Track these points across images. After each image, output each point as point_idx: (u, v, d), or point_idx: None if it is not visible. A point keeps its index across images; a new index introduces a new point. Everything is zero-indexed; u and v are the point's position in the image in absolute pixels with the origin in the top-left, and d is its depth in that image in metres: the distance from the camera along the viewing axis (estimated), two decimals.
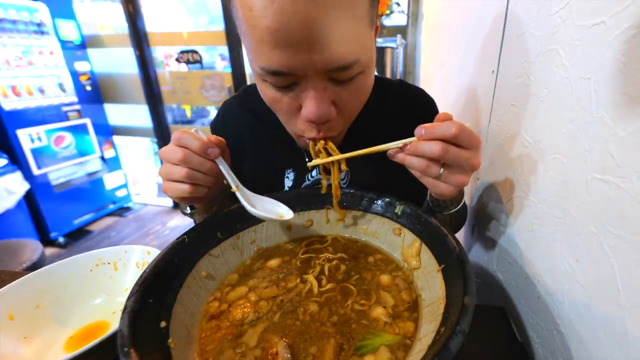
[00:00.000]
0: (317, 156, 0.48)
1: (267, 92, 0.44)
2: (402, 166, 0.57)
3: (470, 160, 0.38)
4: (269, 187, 0.61)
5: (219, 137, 0.45)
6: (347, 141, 0.58)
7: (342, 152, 0.47)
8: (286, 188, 0.62)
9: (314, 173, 0.62)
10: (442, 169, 0.39)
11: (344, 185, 0.61)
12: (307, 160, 0.62)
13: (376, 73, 0.64)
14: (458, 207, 0.50)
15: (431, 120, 0.47)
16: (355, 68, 0.40)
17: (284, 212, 0.46)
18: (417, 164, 0.39)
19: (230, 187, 0.45)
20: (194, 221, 0.59)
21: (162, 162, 0.45)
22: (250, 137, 0.64)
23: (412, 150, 0.39)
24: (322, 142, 0.47)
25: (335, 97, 0.42)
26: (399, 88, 0.64)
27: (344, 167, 0.46)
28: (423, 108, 0.63)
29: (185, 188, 0.42)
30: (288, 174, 0.62)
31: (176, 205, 3.09)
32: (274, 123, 0.54)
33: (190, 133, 0.42)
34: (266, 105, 0.53)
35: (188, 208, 0.52)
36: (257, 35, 0.36)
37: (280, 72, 0.38)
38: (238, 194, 0.44)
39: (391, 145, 0.41)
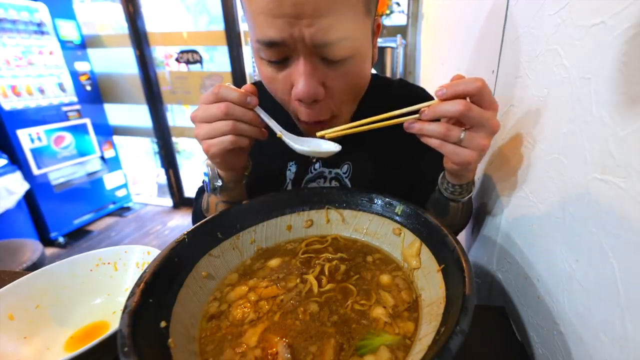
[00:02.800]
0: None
1: (264, 71, 0.45)
2: (406, 161, 0.57)
3: (491, 120, 0.37)
4: (272, 180, 0.63)
5: (252, 85, 0.45)
6: (348, 135, 0.59)
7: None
8: (288, 181, 0.62)
9: (316, 165, 0.62)
10: (462, 133, 0.38)
11: (346, 179, 0.61)
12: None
13: (375, 72, 0.64)
14: (471, 194, 0.50)
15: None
16: (343, 47, 0.40)
17: (331, 147, 0.47)
18: (437, 129, 0.38)
19: (276, 134, 0.46)
20: (215, 204, 0.57)
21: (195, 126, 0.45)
22: None
23: (431, 114, 0.38)
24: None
25: (325, 78, 0.43)
26: (399, 87, 0.65)
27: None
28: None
29: (230, 139, 0.43)
30: (290, 166, 0.63)
31: (176, 205, 3.09)
32: (278, 117, 0.55)
33: (227, 86, 0.42)
34: (270, 100, 0.53)
35: (220, 181, 0.51)
36: (254, 5, 0.38)
37: (272, 42, 0.39)
38: (284, 138, 0.46)
39: (406, 114, 0.40)
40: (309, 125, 0.49)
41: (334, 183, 0.62)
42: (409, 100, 0.63)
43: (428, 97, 0.65)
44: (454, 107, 0.36)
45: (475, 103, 0.37)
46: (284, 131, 0.47)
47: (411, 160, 0.61)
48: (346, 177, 0.61)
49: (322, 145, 0.47)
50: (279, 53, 0.41)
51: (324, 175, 0.62)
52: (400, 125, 0.45)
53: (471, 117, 0.36)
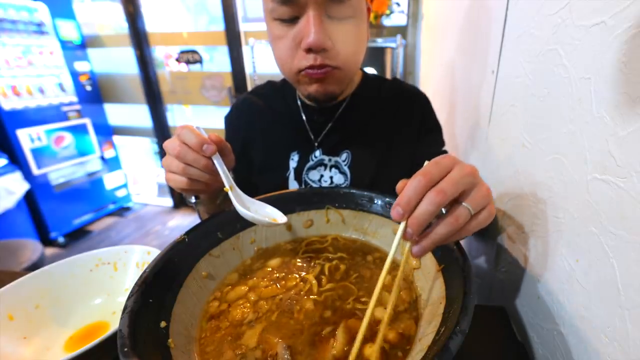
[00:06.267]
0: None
1: (275, 31, 0.51)
2: (404, 147, 0.63)
3: (459, 171, 0.30)
4: (275, 169, 0.66)
5: (219, 136, 0.45)
6: (346, 117, 0.64)
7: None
8: (291, 170, 0.64)
9: (317, 153, 0.64)
10: (465, 204, 0.30)
11: (345, 167, 0.63)
12: (312, 140, 0.65)
13: (375, 72, 0.66)
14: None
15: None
16: (347, 4, 0.48)
17: (278, 217, 0.44)
18: (444, 231, 0.30)
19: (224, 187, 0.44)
20: (198, 212, 0.60)
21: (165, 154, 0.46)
22: (260, 122, 0.68)
23: (416, 229, 0.29)
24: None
25: (331, 33, 0.49)
26: (392, 85, 0.68)
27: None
28: (413, 99, 0.68)
29: (182, 180, 0.44)
30: (293, 156, 0.65)
31: (176, 205, 3.09)
32: (281, 108, 0.57)
33: (190, 128, 0.43)
34: (274, 93, 0.55)
35: (193, 198, 0.52)
36: None
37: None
38: (230, 194, 0.43)
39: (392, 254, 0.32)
40: (314, 79, 0.52)
41: (333, 170, 0.63)
42: (401, 92, 0.67)
43: (420, 95, 0.68)
44: (431, 203, 0.28)
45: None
46: (235, 187, 0.44)
47: (409, 146, 0.65)
48: (345, 165, 0.63)
49: (271, 213, 0.44)
50: (291, 11, 0.47)
51: (324, 163, 0.64)
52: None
53: (449, 188, 0.29)
